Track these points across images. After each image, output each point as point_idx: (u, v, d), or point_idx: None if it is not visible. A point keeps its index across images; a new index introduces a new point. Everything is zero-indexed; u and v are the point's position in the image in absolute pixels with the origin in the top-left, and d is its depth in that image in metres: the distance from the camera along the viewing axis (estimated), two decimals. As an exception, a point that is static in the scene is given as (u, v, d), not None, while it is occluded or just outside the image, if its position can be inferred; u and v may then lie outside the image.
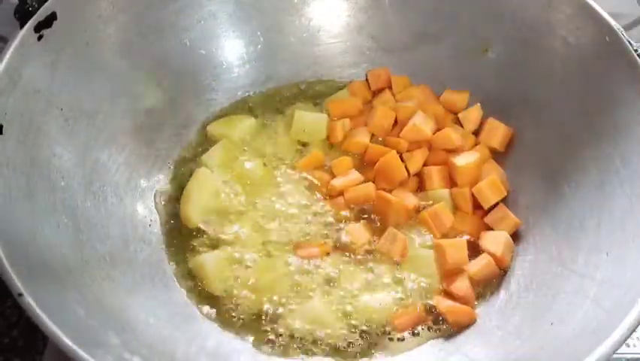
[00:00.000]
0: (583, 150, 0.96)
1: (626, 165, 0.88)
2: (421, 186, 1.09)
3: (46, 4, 0.90)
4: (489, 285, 0.98)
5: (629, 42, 0.91)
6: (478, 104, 1.12)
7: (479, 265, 0.97)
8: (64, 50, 0.92)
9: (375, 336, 0.93)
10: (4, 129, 0.81)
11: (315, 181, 1.09)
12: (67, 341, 0.66)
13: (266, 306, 0.95)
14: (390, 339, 0.93)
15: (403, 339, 0.93)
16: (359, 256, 1.00)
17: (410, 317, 0.94)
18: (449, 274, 0.98)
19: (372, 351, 0.92)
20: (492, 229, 1.02)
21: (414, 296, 0.96)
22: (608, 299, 0.78)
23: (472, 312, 0.94)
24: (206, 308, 0.96)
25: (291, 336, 0.93)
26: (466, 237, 1.02)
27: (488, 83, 1.12)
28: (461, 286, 0.96)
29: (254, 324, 0.94)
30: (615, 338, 0.70)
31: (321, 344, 0.92)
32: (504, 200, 1.05)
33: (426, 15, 1.15)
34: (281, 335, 0.93)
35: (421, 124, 1.09)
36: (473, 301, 0.96)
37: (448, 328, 0.94)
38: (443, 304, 0.95)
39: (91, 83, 0.98)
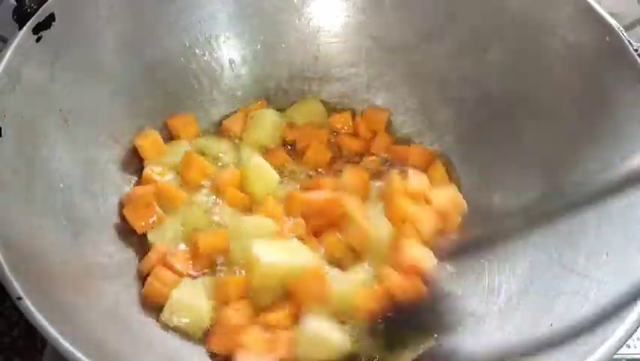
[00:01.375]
0: (583, 150, 0.96)
1: (626, 164, 0.88)
2: None
3: (45, 5, 0.90)
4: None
5: (629, 42, 0.90)
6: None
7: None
8: (63, 51, 0.92)
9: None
10: (2, 131, 0.81)
11: None
12: (67, 345, 0.65)
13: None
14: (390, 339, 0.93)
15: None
16: None
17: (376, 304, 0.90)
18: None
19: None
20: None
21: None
22: (608, 299, 0.77)
23: (420, 286, 0.90)
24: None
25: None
26: None
27: (488, 83, 1.12)
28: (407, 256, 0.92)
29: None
30: (615, 339, 0.70)
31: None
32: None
33: (426, 15, 1.15)
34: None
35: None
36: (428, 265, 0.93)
37: (446, 328, 0.93)
38: (389, 279, 0.91)
39: (90, 84, 0.98)
